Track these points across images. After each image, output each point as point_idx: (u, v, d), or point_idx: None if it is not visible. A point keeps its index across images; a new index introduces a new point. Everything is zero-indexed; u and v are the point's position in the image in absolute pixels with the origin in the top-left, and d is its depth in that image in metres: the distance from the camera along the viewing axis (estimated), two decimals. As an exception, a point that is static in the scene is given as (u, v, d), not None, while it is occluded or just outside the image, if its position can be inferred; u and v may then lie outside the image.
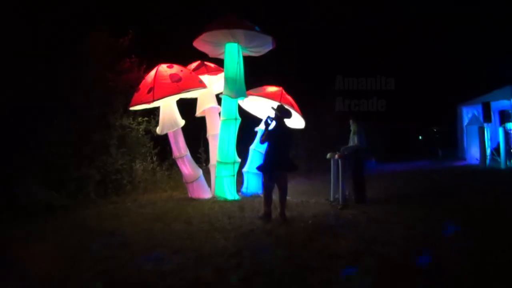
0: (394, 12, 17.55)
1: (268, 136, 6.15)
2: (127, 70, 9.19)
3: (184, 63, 8.67)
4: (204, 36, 7.78)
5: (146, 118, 9.50)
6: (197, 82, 8.01)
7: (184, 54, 9.02)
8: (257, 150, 8.93)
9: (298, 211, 6.74)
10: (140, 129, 9.61)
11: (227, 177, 8.14)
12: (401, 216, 6.19)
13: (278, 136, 6.11)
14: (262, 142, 6.22)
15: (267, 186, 6.17)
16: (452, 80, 17.97)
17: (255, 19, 7.95)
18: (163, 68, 8.07)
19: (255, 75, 8.76)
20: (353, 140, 7.62)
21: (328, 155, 7.50)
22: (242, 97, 8.09)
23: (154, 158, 9.92)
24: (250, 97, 8.65)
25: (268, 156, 6.16)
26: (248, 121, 9.23)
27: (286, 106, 6.80)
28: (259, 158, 8.82)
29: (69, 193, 7.98)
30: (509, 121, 13.22)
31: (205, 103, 8.72)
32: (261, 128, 8.89)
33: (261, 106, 9.05)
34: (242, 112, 8.80)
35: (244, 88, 8.08)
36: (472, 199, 7.47)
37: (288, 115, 6.36)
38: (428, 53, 17.82)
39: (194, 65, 8.92)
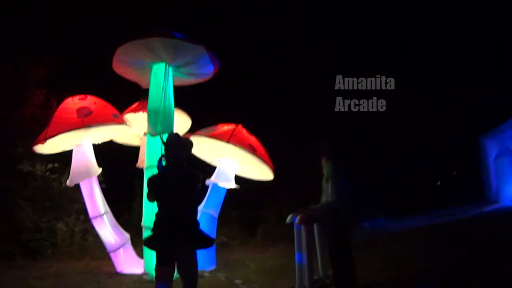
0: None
1: (150, 188, 3.75)
2: (41, 105, 7.30)
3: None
4: (118, 55, 5.82)
5: (56, 165, 7.46)
6: (109, 116, 6.02)
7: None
8: (207, 212, 6.64)
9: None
10: (62, 180, 7.56)
11: (155, 247, 5.86)
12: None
13: (166, 186, 3.66)
14: (149, 199, 3.84)
15: (158, 276, 3.68)
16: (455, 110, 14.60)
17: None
18: (72, 100, 6.22)
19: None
20: (327, 192, 4.94)
21: (288, 218, 4.98)
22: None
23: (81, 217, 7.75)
24: (196, 139, 6.56)
25: (155, 222, 3.71)
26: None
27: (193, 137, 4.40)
28: (211, 223, 6.66)
29: None
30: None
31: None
32: (212, 180, 6.67)
33: (216, 150, 6.81)
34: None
35: (171, 123, 5.93)
36: None
37: (184, 147, 3.84)
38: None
39: (135, 105, 6.97)
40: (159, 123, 5.75)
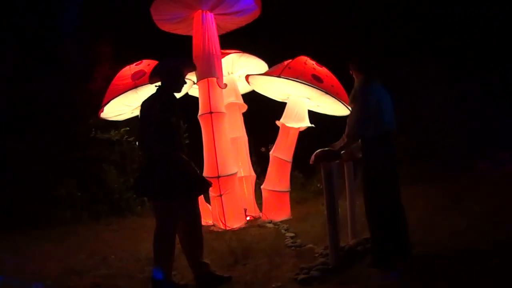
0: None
1: None
2: (107, 78, 7.77)
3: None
4: (155, 15, 5.97)
5: (127, 128, 7.86)
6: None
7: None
8: (277, 156, 6.35)
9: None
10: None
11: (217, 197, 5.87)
12: None
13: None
14: None
15: None
16: None
17: None
18: (129, 68, 6.33)
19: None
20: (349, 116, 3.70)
21: (312, 157, 3.94)
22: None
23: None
24: (255, 79, 6.41)
25: None
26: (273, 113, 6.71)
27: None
28: (283, 168, 6.37)
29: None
30: None
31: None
32: (280, 121, 6.33)
33: (281, 89, 6.40)
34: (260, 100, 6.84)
35: (212, 68, 5.78)
36: None
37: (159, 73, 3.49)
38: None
39: None
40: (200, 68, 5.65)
